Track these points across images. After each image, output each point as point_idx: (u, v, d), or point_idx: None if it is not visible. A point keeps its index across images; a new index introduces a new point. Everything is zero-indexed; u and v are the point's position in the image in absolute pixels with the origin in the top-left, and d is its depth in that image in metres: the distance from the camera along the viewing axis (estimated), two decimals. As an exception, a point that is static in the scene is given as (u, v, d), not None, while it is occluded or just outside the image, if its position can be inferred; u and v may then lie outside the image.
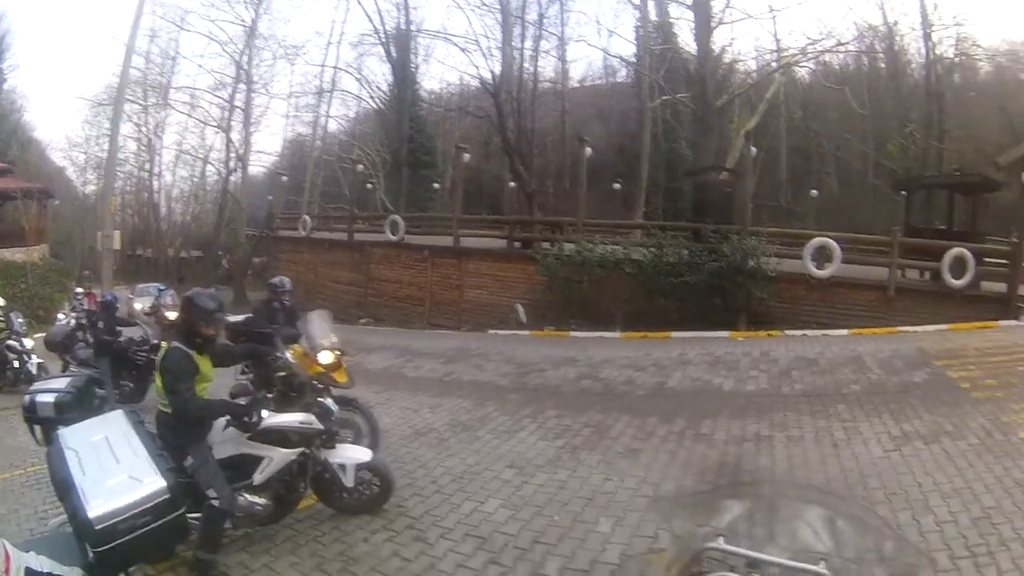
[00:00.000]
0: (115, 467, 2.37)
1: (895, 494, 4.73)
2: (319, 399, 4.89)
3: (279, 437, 4.30)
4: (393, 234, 19.49)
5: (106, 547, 2.10)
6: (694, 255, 13.30)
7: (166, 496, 2.36)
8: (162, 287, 14.79)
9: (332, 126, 42.84)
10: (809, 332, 11.80)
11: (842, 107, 31.38)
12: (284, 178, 30.19)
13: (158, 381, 4.10)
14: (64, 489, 2.20)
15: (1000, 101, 30.61)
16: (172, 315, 12.46)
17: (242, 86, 35.97)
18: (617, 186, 29.72)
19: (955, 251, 12.22)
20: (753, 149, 17.02)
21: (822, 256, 13.06)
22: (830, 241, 13.16)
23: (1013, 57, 32.62)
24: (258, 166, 40.41)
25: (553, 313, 14.06)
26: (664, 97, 29.16)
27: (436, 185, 35.69)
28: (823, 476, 5.20)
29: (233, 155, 37.32)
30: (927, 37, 30.84)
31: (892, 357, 9.26)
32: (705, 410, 7.19)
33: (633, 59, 33.76)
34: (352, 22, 62.28)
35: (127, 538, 2.15)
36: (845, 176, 35.02)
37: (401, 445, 6.34)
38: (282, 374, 5.51)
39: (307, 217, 25.58)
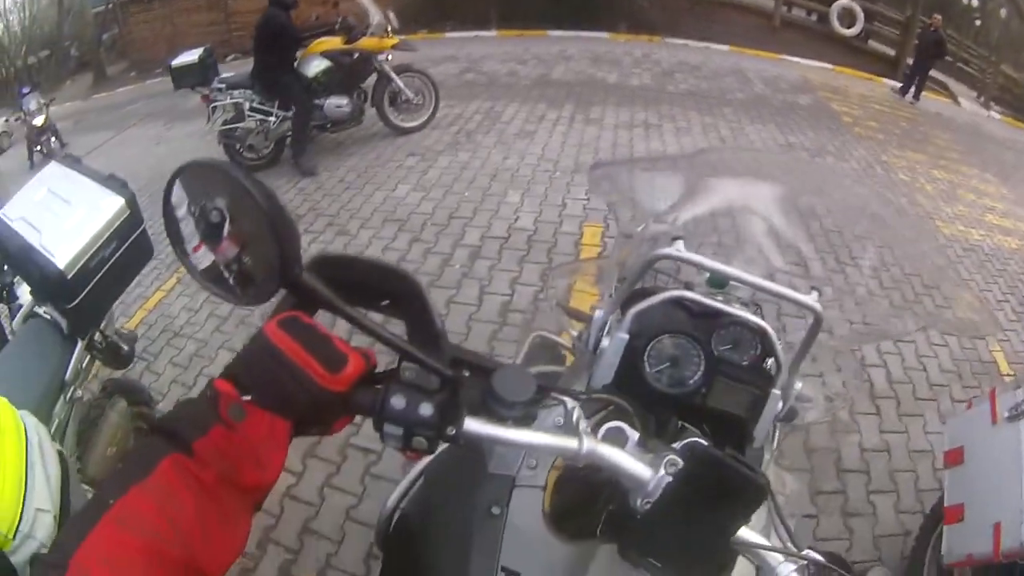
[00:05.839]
0: (68, 208, 2.11)
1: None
2: None
3: None
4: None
5: (82, 296, 1.93)
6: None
7: (127, 213, 2.21)
8: (25, 89, 12.40)
9: None
10: (691, 42, 11.84)
11: None
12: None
13: None
14: (23, 258, 1.97)
15: None
16: (38, 121, 11.21)
17: None
18: None
19: (844, 1, 12.45)
20: None
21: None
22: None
23: None
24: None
25: (425, 16, 13.20)
26: None
27: None
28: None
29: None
30: None
31: (776, 78, 9.64)
32: (592, 99, 7.43)
33: None
34: None
35: (100, 275, 1.98)
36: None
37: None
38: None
39: None
